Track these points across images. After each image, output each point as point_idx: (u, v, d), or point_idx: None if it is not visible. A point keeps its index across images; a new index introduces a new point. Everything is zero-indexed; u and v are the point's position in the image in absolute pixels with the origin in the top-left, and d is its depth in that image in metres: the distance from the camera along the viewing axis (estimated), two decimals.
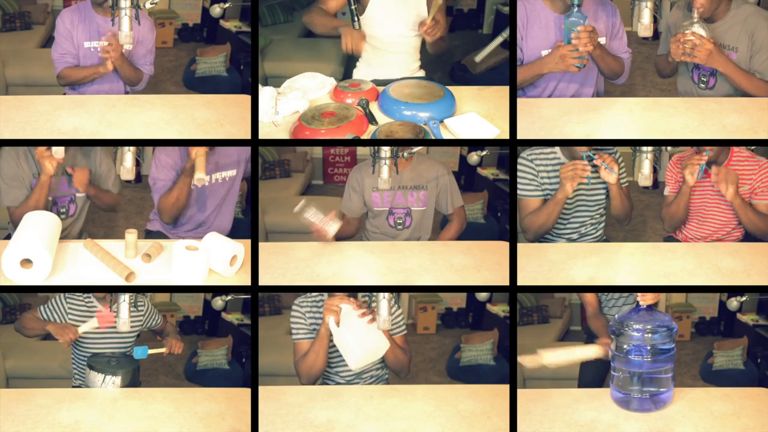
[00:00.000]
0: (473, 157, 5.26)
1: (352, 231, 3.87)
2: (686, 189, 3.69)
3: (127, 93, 3.96)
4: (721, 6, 3.65)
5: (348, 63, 4.12)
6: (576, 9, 3.51)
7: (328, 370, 3.54)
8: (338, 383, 3.53)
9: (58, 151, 3.55)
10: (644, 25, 3.59)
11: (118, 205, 4.06)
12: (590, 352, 3.45)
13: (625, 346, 3.11)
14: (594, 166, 3.57)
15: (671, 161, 3.77)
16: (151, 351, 3.59)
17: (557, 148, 3.67)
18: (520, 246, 3.38)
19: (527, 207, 3.66)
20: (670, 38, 3.63)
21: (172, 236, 3.96)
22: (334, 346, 3.47)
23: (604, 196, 3.74)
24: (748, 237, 3.78)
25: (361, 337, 3.37)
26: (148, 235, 4.01)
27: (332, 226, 3.56)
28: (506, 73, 3.56)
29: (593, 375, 3.88)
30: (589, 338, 3.79)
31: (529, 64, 3.67)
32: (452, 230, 3.90)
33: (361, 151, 5.42)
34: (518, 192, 3.67)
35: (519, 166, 3.66)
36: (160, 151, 3.83)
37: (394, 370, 3.55)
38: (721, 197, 3.68)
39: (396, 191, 3.77)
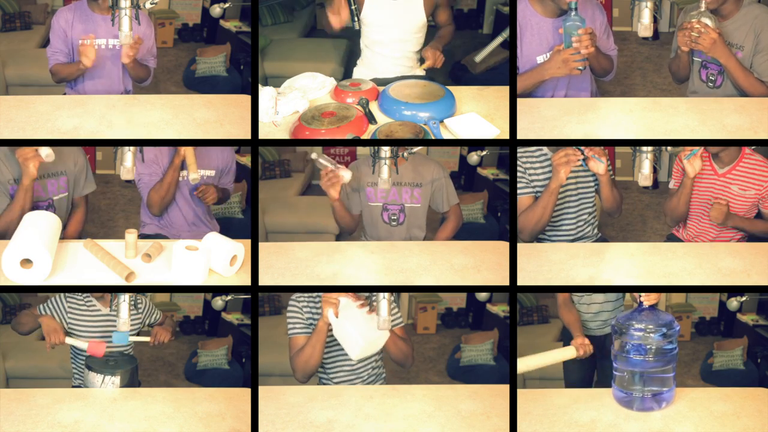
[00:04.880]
0: (473, 157, 5.26)
1: (354, 226, 3.88)
2: (687, 181, 3.67)
3: (127, 92, 3.97)
4: (730, 2, 3.66)
5: (348, 63, 4.13)
6: (574, 12, 3.51)
7: (325, 372, 3.54)
8: (337, 382, 3.54)
9: (50, 154, 3.52)
10: (644, 25, 3.59)
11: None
12: (567, 353, 3.57)
13: (626, 345, 3.11)
14: (584, 156, 3.56)
15: (678, 156, 3.76)
16: (132, 338, 3.60)
17: (544, 147, 3.67)
18: (520, 246, 3.38)
19: (520, 206, 3.66)
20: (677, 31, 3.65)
21: (170, 236, 3.98)
22: (330, 346, 3.47)
23: (593, 189, 3.73)
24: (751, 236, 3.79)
25: (362, 327, 3.37)
26: (144, 238, 4.02)
27: (346, 172, 3.59)
28: (506, 73, 3.55)
29: (579, 375, 3.89)
30: (566, 331, 3.80)
31: (529, 72, 3.66)
32: (449, 228, 3.90)
33: (361, 151, 5.42)
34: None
35: None
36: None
37: (399, 362, 3.54)
38: (722, 193, 3.69)
39: (391, 187, 3.78)
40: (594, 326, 3.79)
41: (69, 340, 3.60)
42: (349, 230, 3.90)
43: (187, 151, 3.83)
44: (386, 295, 3.30)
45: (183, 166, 3.91)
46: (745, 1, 3.70)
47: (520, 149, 3.65)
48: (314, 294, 3.48)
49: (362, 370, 3.56)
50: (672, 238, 3.91)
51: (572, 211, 3.73)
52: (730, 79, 3.66)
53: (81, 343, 3.57)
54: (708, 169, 3.72)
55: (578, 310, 3.75)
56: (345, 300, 3.39)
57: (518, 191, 3.66)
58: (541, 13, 3.68)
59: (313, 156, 3.62)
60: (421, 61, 4.01)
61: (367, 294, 3.44)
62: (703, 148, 3.59)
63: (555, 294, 3.79)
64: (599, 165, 3.57)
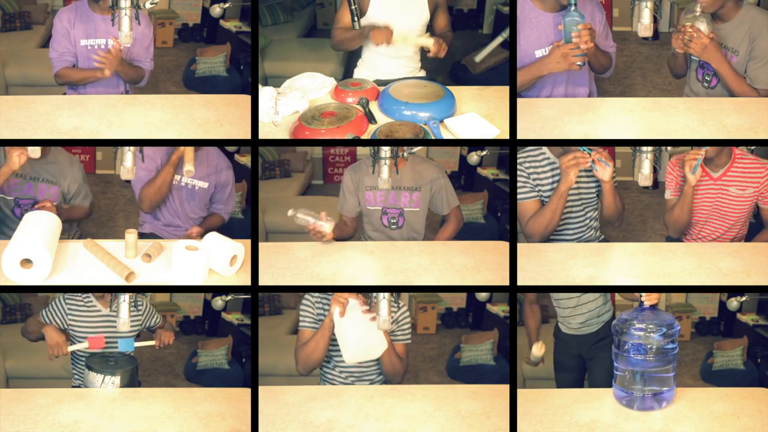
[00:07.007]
0: (473, 157, 5.26)
1: (351, 231, 3.87)
2: (688, 190, 3.62)
3: (127, 92, 3.97)
4: (728, 6, 3.65)
5: (348, 63, 4.12)
6: (573, 8, 3.52)
7: (328, 368, 3.55)
8: (340, 381, 3.54)
9: (35, 151, 3.57)
10: (644, 25, 3.59)
11: (89, 215, 4.02)
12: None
13: (626, 345, 3.11)
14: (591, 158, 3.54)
15: (670, 163, 3.72)
16: (138, 344, 3.61)
17: (545, 148, 3.65)
18: (520, 246, 3.38)
19: (526, 211, 3.61)
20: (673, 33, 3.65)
21: (166, 236, 3.98)
22: (336, 343, 3.48)
23: (595, 193, 3.71)
24: (751, 235, 3.78)
25: (360, 332, 3.38)
26: (142, 237, 4.02)
27: (326, 225, 3.56)
28: (506, 73, 3.55)
29: (569, 378, 3.89)
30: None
31: (528, 67, 3.65)
32: (449, 230, 3.88)
33: (361, 151, 5.42)
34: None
35: None
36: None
37: (388, 376, 3.55)
38: (721, 196, 3.68)
39: (390, 191, 3.77)
40: (576, 323, 3.79)
41: (71, 348, 3.62)
42: (349, 237, 3.89)
43: (187, 148, 3.80)
44: (386, 295, 3.30)
45: (180, 167, 3.89)
46: (744, 6, 3.69)
47: (521, 153, 3.64)
48: (328, 293, 3.49)
49: (365, 377, 3.56)
50: (672, 239, 3.90)
51: (575, 216, 3.72)
52: (723, 83, 3.66)
53: (82, 346, 3.59)
54: (702, 175, 3.68)
55: (557, 306, 3.79)
56: (352, 302, 3.40)
57: (522, 196, 3.62)
58: (541, 8, 3.68)
59: (290, 213, 3.57)
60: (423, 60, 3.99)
61: (371, 294, 3.44)
62: (704, 155, 3.57)
63: (549, 294, 3.82)
64: (605, 170, 3.53)
